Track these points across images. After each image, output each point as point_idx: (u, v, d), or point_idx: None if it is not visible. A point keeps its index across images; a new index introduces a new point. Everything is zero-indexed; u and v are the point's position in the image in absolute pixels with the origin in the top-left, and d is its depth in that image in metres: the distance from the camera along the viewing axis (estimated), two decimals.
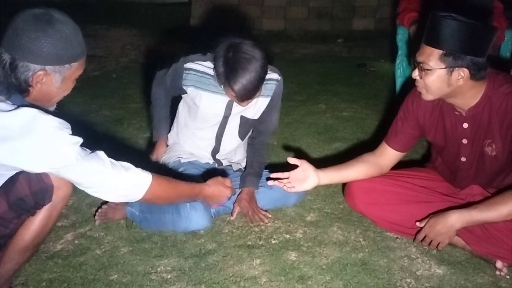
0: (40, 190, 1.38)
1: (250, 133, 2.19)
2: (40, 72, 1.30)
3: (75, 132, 1.34)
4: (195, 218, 1.86)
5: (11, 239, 1.46)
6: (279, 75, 2.05)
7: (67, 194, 1.44)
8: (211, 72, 1.94)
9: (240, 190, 2.08)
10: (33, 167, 1.30)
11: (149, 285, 1.64)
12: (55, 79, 1.34)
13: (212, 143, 2.11)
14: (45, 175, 1.38)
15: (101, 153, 1.40)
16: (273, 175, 1.82)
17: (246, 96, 1.83)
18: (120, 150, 2.72)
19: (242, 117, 2.06)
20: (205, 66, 1.97)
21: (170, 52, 4.88)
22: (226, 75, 1.79)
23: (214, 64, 1.85)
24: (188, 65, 1.98)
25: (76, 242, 1.88)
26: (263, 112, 2.08)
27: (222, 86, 1.86)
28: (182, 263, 1.76)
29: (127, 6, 7.89)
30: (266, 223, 2.01)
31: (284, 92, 2.11)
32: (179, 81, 2.02)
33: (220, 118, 2.05)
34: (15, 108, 1.27)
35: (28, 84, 1.31)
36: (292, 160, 1.81)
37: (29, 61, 1.28)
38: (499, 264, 1.71)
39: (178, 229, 1.89)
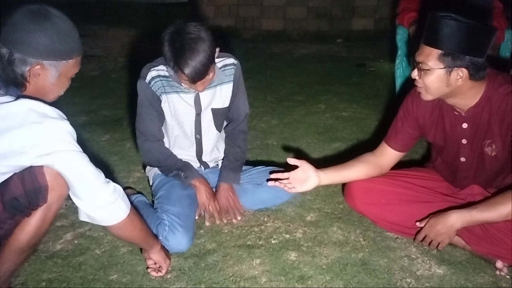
0: (34, 190, 1.37)
1: (225, 124, 2.17)
2: (37, 66, 1.32)
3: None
4: (174, 243, 1.79)
5: (6, 240, 1.44)
6: (235, 59, 2.03)
7: (62, 195, 1.42)
8: (167, 73, 1.92)
9: (217, 185, 2.08)
10: (28, 154, 1.28)
11: (149, 285, 1.64)
12: (51, 74, 1.35)
13: (193, 146, 2.09)
14: (40, 174, 1.36)
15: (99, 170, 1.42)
16: (273, 176, 1.82)
17: (198, 77, 1.77)
18: (119, 151, 2.74)
19: (213, 109, 2.04)
20: (160, 69, 1.93)
21: None
22: (175, 59, 1.74)
23: (162, 52, 1.79)
24: (148, 77, 1.92)
25: (76, 242, 1.88)
26: (231, 98, 2.06)
27: (173, 70, 1.81)
28: (182, 263, 1.76)
29: (126, 6, 7.89)
30: (238, 220, 2.01)
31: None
32: (154, 96, 1.94)
33: (194, 117, 2.02)
34: (15, 99, 1.28)
35: (24, 78, 1.32)
36: (292, 161, 1.80)
37: (26, 54, 1.30)
38: (499, 264, 1.71)
39: None
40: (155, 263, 1.67)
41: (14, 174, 1.36)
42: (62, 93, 1.46)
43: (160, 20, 6.93)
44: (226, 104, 2.06)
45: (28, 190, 1.36)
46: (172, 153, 2.06)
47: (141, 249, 1.74)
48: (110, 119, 3.24)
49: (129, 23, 6.67)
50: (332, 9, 6.15)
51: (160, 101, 1.97)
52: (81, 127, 2.94)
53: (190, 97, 1.98)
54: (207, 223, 1.98)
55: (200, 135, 2.07)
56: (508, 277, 1.69)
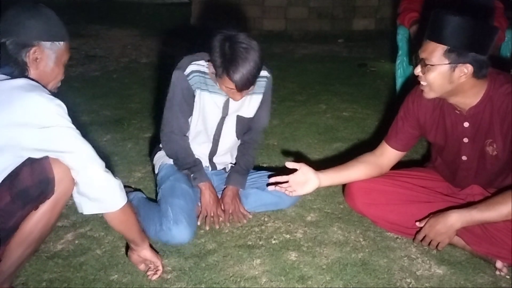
0: (43, 181, 1.39)
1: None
2: (35, 48, 1.42)
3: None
4: (177, 233, 1.80)
5: (13, 234, 1.46)
6: (269, 73, 2.03)
7: (69, 188, 1.44)
8: (207, 70, 1.92)
9: (225, 187, 2.08)
10: (30, 125, 1.33)
11: (149, 285, 1.64)
12: (49, 57, 1.46)
13: (209, 145, 2.10)
14: (48, 165, 1.39)
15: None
16: (272, 180, 1.81)
17: (245, 85, 1.78)
18: (120, 151, 2.75)
19: (238, 117, 2.04)
20: (201, 65, 1.93)
21: (171, 52, 4.88)
22: (225, 66, 1.75)
23: (210, 58, 1.81)
24: (188, 70, 1.92)
25: (77, 242, 1.88)
26: (257, 109, 2.07)
27: (219, 77, 1.81)
28: (182, 263, 1.76)
29: (128, 6, 7.91)
30: (244, 223, 2.01)
31: (274, 89, 2.09)
32: (190, 90, 1.94)
33: (218, 119, 2.03)
34: (12, 78, 1.39)
35: (25, 63, 1.42)
36: (290, 165, 1.79)
37: (25, 37, 1.41)
38: (499, 264, 1.71)
39: (161, 241, 1.84)
40: (148, 266, 1.67)
41: (23, 165, 1.39)
42: (59, 84, 1.55)
43: (162, 20, 6.96)
44: (252, 115, 2.07)
45: (38, 180, 1.39)
46: (191, 151, 2.06)
47: (127, 251, 1.75)
48: (112, 119, 3.25)
49: (131, 23, 6.69)
50: (333, 9, 6.17)
51: (194, 96, 1.96)
52: (82, 127, 2.93)
53: (220, 100, 1.98)
54: (206, 227, 1.98)
55: (219, 137, 2.08)
56: (508, 277, 1.69)
